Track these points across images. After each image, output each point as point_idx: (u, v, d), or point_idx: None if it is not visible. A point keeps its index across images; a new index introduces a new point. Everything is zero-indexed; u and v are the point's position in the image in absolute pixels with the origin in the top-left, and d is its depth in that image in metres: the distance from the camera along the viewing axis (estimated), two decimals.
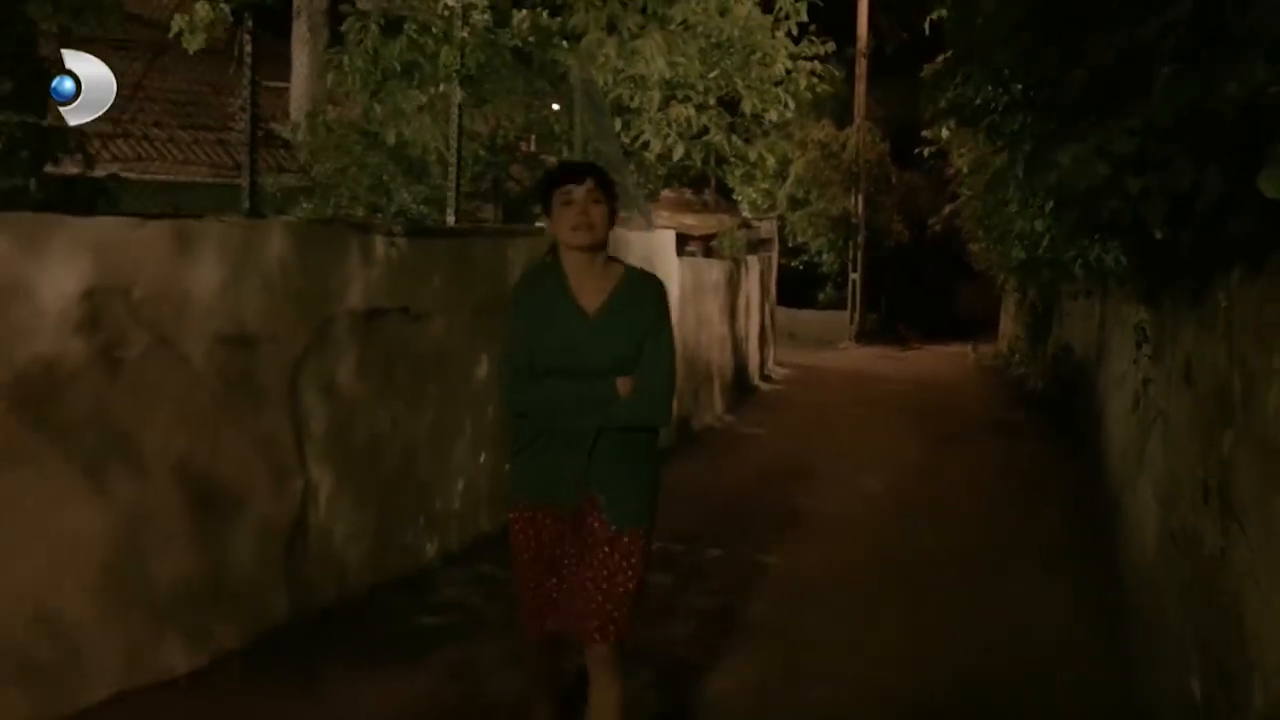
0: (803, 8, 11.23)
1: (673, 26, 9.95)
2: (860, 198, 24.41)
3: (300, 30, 10.15)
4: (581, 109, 8.26)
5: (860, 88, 24.51)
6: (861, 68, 24.31)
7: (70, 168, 4.47)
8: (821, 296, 25.42)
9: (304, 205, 8.15)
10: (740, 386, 13.88)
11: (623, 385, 3.34)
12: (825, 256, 25.15)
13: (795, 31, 11.40)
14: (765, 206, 21.68)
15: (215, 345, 4.52)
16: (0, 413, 3.70)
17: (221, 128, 11.19)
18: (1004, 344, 20.23)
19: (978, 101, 5.09)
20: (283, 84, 11.51)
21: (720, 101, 11.06)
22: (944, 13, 5.39)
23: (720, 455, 9.83)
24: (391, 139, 8.09)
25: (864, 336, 24.06)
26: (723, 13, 10.65)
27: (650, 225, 10.01)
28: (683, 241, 12.63)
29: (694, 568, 6.17)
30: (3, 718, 3.75)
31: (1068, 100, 3.19)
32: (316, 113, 9.16)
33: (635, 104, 9.76)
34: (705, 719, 4.32)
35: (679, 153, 10.23)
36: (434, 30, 7.41)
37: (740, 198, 19.84)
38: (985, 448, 10.84)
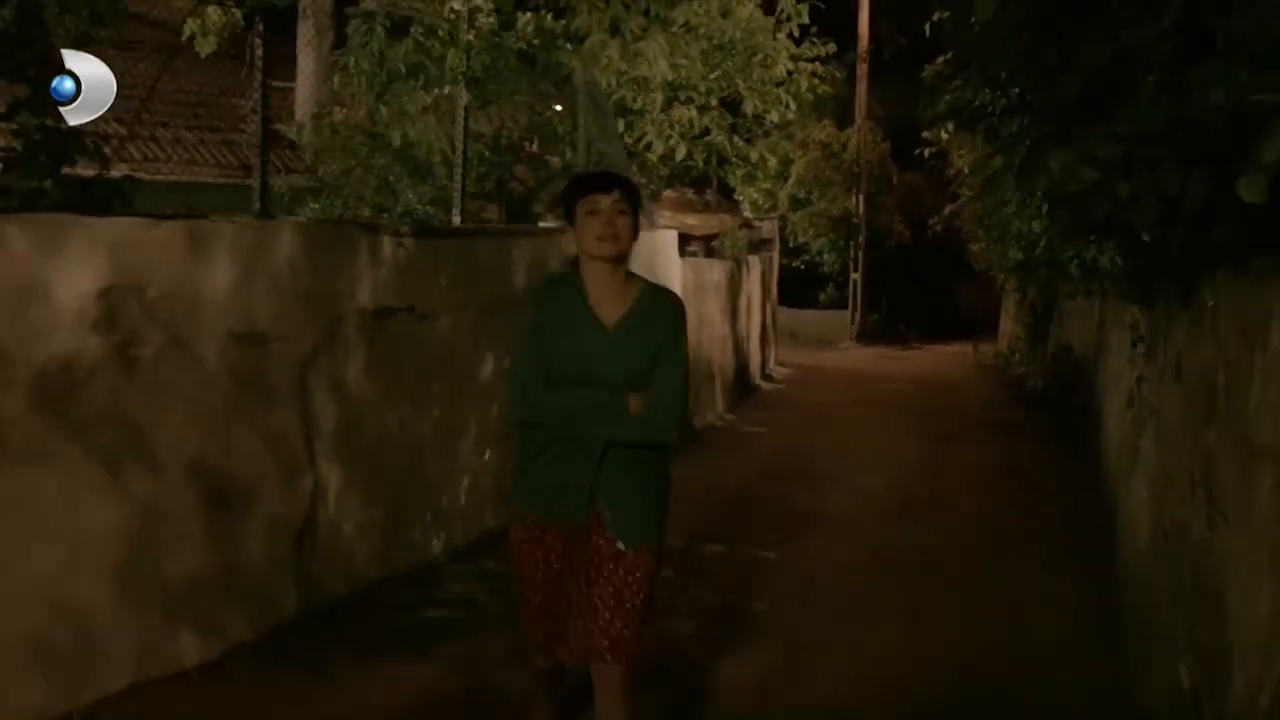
0: (804, 10, 11.33)
1: (675, 28, 10.06)
2: (861, 198, 24.50)
3: (305, 32, 10.22)
4: (585, 110, 8.34)
5: (861, 88, 24.60)
6: (862, 68, 24.40)
7: (82, 169, 4.55)
8: (823, 296, 25.51)
9: (311, 205, 8.22)
10: (741, 386, 13.96)
11: (635, 401, 3.30)
12: (826, 256, 25.23)
13: (796, 33, 11.51)
14: (766, 206, 21.74)
15: (227, 343, 4.61)
16: (20, 409, 3.79)
17: (227, 128, 11.28)
18: (1004, 344, 20.30)
19: (975, 104, 5.18)
20: (287, 84, 11.61)
21: (722, 102, 11.16)
22: (944, 14, 5.47)
23: (722, 454, 9.91)
24: (397, 140, 8.18)
25: (865, 336, 24.15)
26: (725, 14, 10.76)
27: (652, 225, 10.10)
28: (684, 241, 12.71)
29: (695, 565, 6.24)
30: (25, 705, 3.84)
31: (1062, 104, 3.27)
32: (322, 114, 9.24)
33: (638, 105, 9.86)
34: (707, 715, 4.37)
35: (681, 153, 10.33)
36: (440, 33, 7.50)
37: (742, 198, 19.91)
38: (986, 447, 10.91)
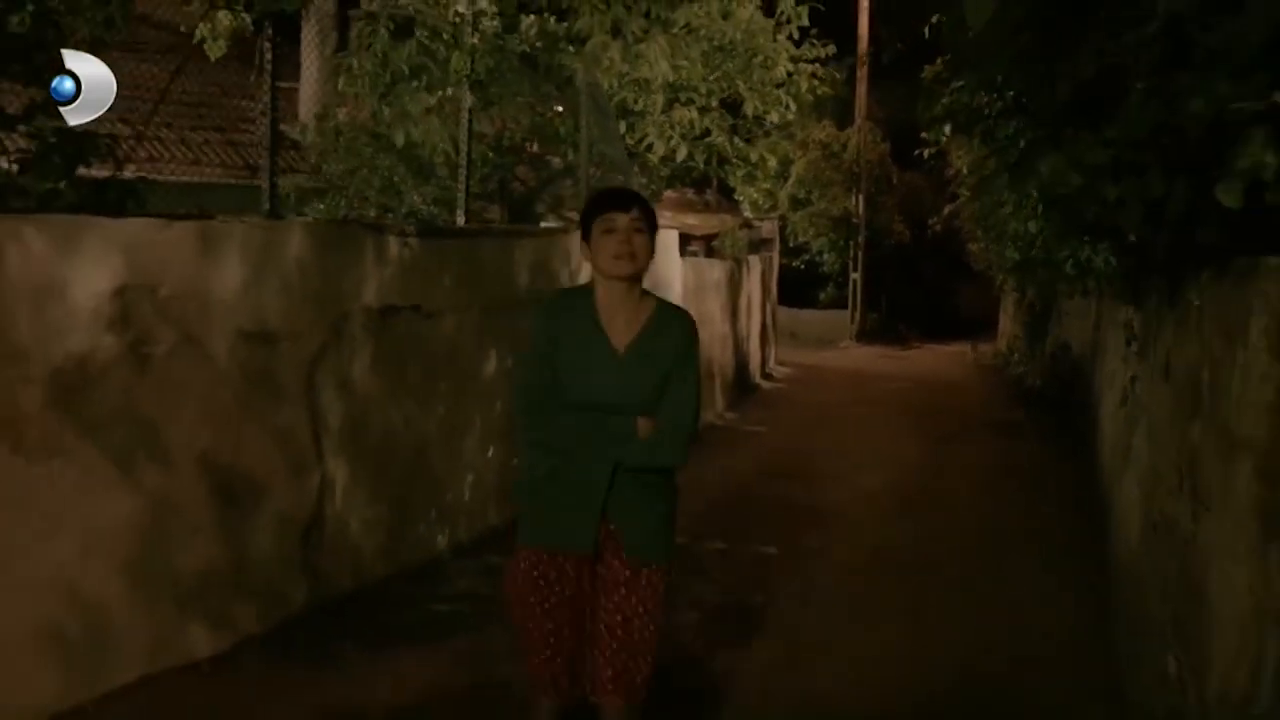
0: (804, 12, 11.41)
1: (676, 30, 10.13)
2: (861, 198, 24.59)
3: (309, 33, 10.31)
4: (587, 112, 8.43)
5: (861, 89, 24.69)
6: (862, 70, 24.48)
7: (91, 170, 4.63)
8: (822, 296, 25.59)
9: (317, 206, 8.31)
10: (741, 385, 14.05)
11: (644, 425, 3.24)
12: (826, 256, 25.32)
13: (796, 35, 11.59)
14: (766, 206, 21.81)
15: (237, 341, 4.70)
16: (37, 406, 3.88)
17: (231, 129, 11.37)
18: (1003, 343, 20.39)
19: (972, 106, 5.27)
20: (291, 84, 11.69)
21: (723, 103, 11.24)
22: (941, 18, 5.55)
23: (722, 452, 9.98)
24: (400, 141, 8.26)
25: (865, 336, 24.23)
26: (725, 16, 10.84)
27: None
28: (685, 241, 12.81)
29: (696, 561, 6.30)
30: (41, 696, 3.93)
31: (1054, 109, 3.36)
32: (326, 115, 9.33)
33: (639, 107, 9.94)
34: (707, 706, 4.44)
35: (682, 154, 10.41)
36: (445, 36, 7.59)
37: (742, 198, 19.97)
38: (985, 447, 10.97)
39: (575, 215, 9.50)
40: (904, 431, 11.83)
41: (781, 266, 21.68)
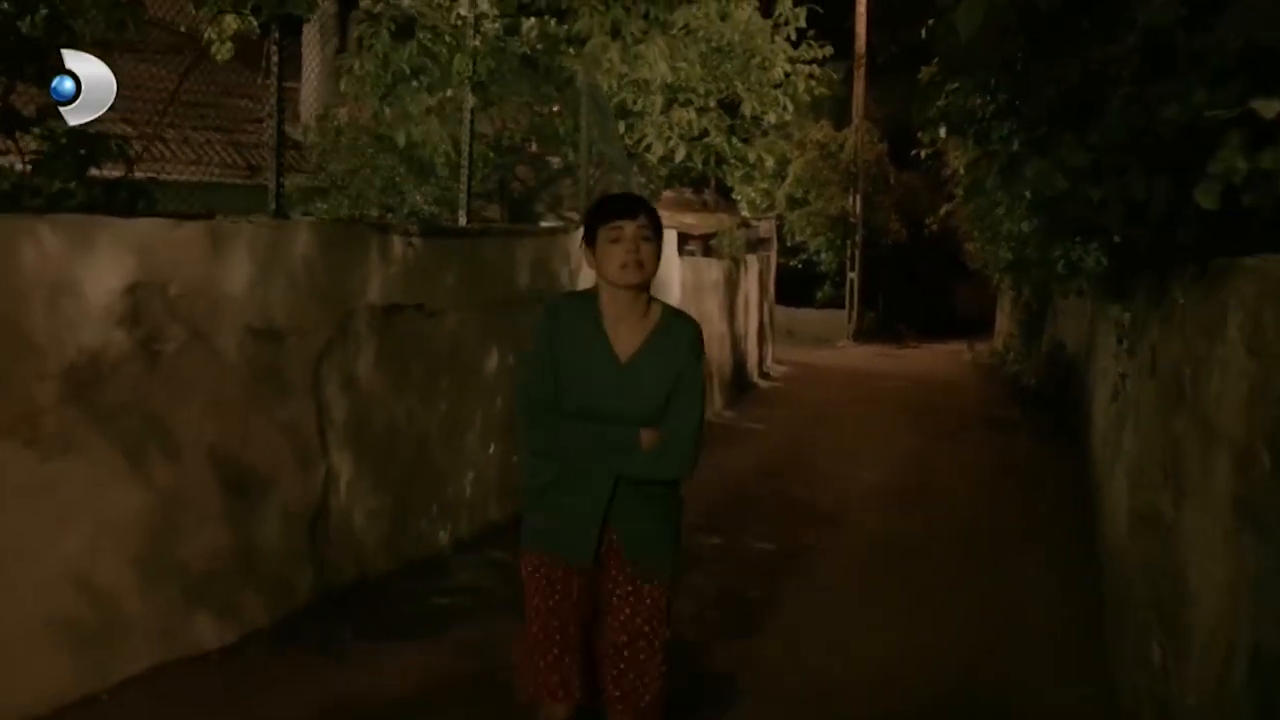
0: (802, 13, 11.51)
1: (674, 31, 10.23)
2: (858, 197, 24.68)
3: (310, 33, 10.40)
4: (587, 112, 8.52)
5: (858, 89, 24.78)
6: (859, 70, 24.58)
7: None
8: (819, 295, 25.67)
9: (319, 205, 8.40)
10: (739, 383, 14.15)
11: (648, 436, 3.16)
12: (823, 255, 25.41)
13: (794, 36, 11.69)
14: (764, 206, 21.84)
15: (245, 338, 4.80)
16: (52, 400, 3.97)
17: (233, 129, 11.44)
18: (1000, 342, 20.50)
19: (966, 108, 5.36)
20: (292, 84, 11.75)
21: (720, 104, 11.33)
22: (934, 22, 5.64)
23: (720, 450, 10.03)
24: (402, 141, 8.35)
25: (862, 335, 24.33)
26: (723, 18, 10.93)
27: None
28: (683, 240, 12.90)
29: (694, 555, 6.37)
30: (55, 684, 4.03)
31: (1043, 113, 3.46)
32: (327, 115, 9.42)
33: (638, 107, 10.04)
34: (706, 694, 4.52)
35: (680, 154, 10.50)
36: (447, 39, 7.68)
37: (739, 197, 20.03)
38: (981, 444, 11.08)
39: (574, 215, 9.61)
40: (901, 429, 11.93)
41: (779, 266, 21.76)
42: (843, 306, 24.96)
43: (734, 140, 11.55)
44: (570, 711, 3.32)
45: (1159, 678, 3.24)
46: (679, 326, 3.27)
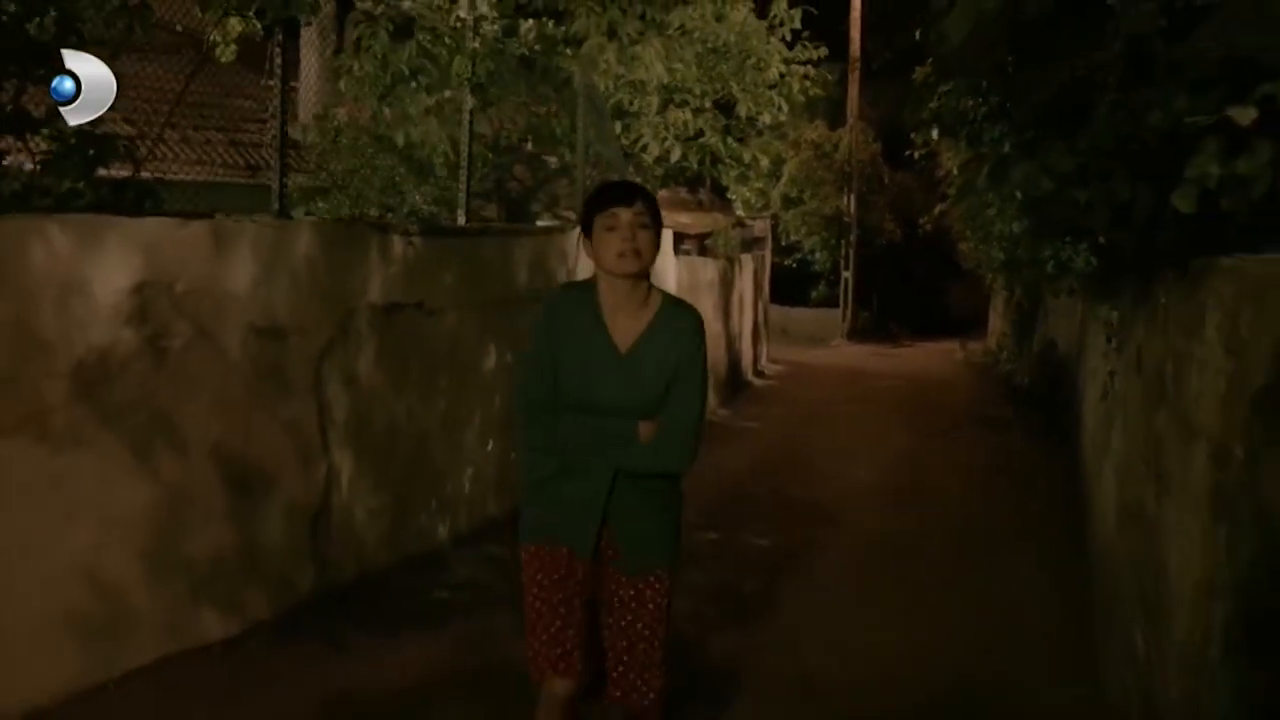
0: (797, 15, 11.61)
1: (670, 32, 10.32)
2: (853, 197, 24.77)
3: (309, 34, 10.46)
4: (584, 113, 8.61)
5: (853, 89, 24.87)
6: (854, 55, 24.66)
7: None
8: (814, 294, 25.74)
9: (319, 205, 8.47)
10: (734, 382, 14.23)
11: (646, 429, 3.11)
12: (818, 255, 25.46)
13: (789, 37, 11.79)
14: (759, 205, 21.90)
15: (249, 336, 4.87)
16: (61, 397, 4.05)
17: (232, 128, 11.51)
18: (993, 341, 20.58)
19: (958, 110, 5.45)
20: (290, 84, 11.78)
21: (716, 104, 11.43)
22: (929, 29, 5.73)
23: (715, 448, 10.09)
24: (401, 141, 8.43)
25: (856, 334, 24.42)
26: (719, 19, 11.02)
27: None
28: (678, 240, 12.99)
29: (691, 550, 6.38)
30: (64, 675, 4.11)
31: (1031, 118, 3.55)
32: (325, 115, 9.49)
33: (635, 108, 10.13)
34: (702, 691, 4.58)
35: (676, 155, 10.59)
36: (447, 41, 7.75)
37: (734, 197, 20.14)
38: (974, 442, 11.15)
39: (571, 214, 9.70)
40: (895, 428, 12.02)
41: (774, 265, 21.82)
42: (837, 306, 25.04)
43: (729, 140, 11.65)
44: (572, 688, 3.21)
45: (1143, 670, 3.33)
46: (679, 315, 3.20)
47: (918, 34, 5.77)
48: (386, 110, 8.62)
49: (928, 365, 19.57)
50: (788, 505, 8.05)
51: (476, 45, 7.53)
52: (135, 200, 4.49)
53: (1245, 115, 2.32)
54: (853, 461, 9.86)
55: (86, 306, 4.13)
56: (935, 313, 26.47)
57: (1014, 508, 8.13)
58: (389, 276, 5.80)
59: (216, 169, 10.91)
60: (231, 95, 11.56)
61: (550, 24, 9.02)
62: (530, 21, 8.70)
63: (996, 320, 20.82)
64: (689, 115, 10.65)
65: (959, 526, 7.60)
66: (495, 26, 7.95)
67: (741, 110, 11.39)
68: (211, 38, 5.15)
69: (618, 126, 10.10)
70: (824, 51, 12.47)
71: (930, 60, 6.47)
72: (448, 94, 8.28)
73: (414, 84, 8.42)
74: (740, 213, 20.83)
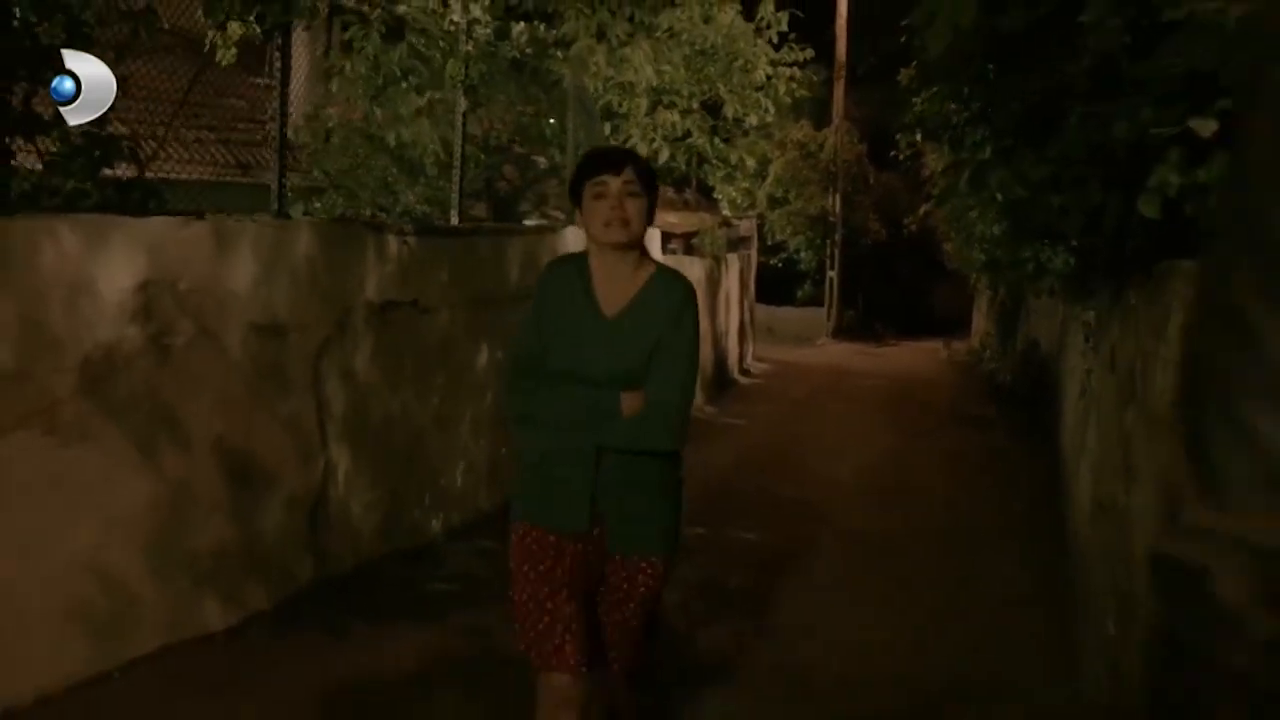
0: (784, 17, 11.75)
1: (659, 34, 10.43)
2: (838, 197, 24.89)
3: (299, 34, 10.54)
4: (574, 114, 8.74)
5: (838, 90, 24.98)
6: (840, 60, 24.79)
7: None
8: (800, 294, 25.83)
9: (314, 205, 8.57)
10: (720, 380, 14.35)
11: (632, 400, 2.98)
12: (803, 254, 25.56)
13: (776, 39, 11.93)
14: (745, 205, 21.96)
15: (249, 334, 5.00)
16: (69, 392, 4.16)
17: (225, 128, 11.57)
18: (977, 340, 20.74)
19: (940, 115, 5.60)
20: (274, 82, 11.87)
21: (703, 106, 11.56)
22: (913, 39, 5.87)
23: (701, 445, 10.13)
24: (393, 141, 8.54)
25: (841, 333, 24.55)
26: (706, 21, 11.15)
27: None
28: (665, 239, 13.10)
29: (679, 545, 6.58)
30: (71, 663, 4.22)
31: (1009, 125, 3.70)
32: (317, 115, 9.58)
33: (624, 110, 10.25)
34: (690, 683, 4.67)
35: (664, 156, 10.71)
36: (442, 44, 7.87)
37: (721, 197, 20.25)
38: (957, 440, 11.29)
39: (559, 214, 9.82)
40: (880, 426, 12.16)
41: (759, 264, 21.91)
42: (822, 305, 25.17)
43: (716, 141, 11.78)
44: (569, 681, 3.02)
45: (1113, 651, 3.48)
46: (670, 284, 3.10)
47: (902, 39, 5.91)
48: (378, 110, 8.72)
49: (912, 364, 19.71)
50: (774, 502, 8.18)
51: (470, 49, 7.65)
52: (140, 200, 4.59)
53: (1206, 127, 2.47)
54: (838, 459, 9.99)
55: (93, 304, 4.24)
56: (920, 312, 26.60)
57: (997, 506, 8.25)
58: (385, 275, 5.93)
59: (208, 168, 10.99)
60: (222, 95, 11.62)
61: (542, 27, 9.14)
62: (521, 25, 8.82)
63: (980, 320, 20.97)
64: (677, 117, 10.78)
65: (944, 525, 7.73)
66: (488, 30, 8.06)
67: (729, 111, 11.53)
68: (212, 40, 5.25)
69: (607, 128, 10.23)
70: (810, 53, 12.61)
71: (915, 64, 6.61)
72: (439, 95, 8.39)
73: (404, 84, 8.53)
74: (726, 212, 20.96)
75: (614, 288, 3.06)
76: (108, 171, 4.68)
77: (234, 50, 5.19)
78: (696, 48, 11.07)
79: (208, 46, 5.35)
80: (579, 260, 3.15)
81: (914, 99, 5.96)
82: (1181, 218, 2.66)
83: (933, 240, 20.30)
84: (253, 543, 5.07)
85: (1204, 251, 0.81)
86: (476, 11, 7.85)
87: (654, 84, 10.05)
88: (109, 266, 4.28)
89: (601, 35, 9.65)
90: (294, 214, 6.12)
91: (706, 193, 18.95)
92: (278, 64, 5.39)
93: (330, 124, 9.01)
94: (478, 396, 6.92)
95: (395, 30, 8.40)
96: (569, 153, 8.82)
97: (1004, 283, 10.87)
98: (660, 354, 2.99)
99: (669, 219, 18.30)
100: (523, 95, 9.23)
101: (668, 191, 19.29)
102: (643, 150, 10.49)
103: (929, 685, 4.81)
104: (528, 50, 8.78)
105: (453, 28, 7.79)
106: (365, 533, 5.85)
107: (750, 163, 12.92)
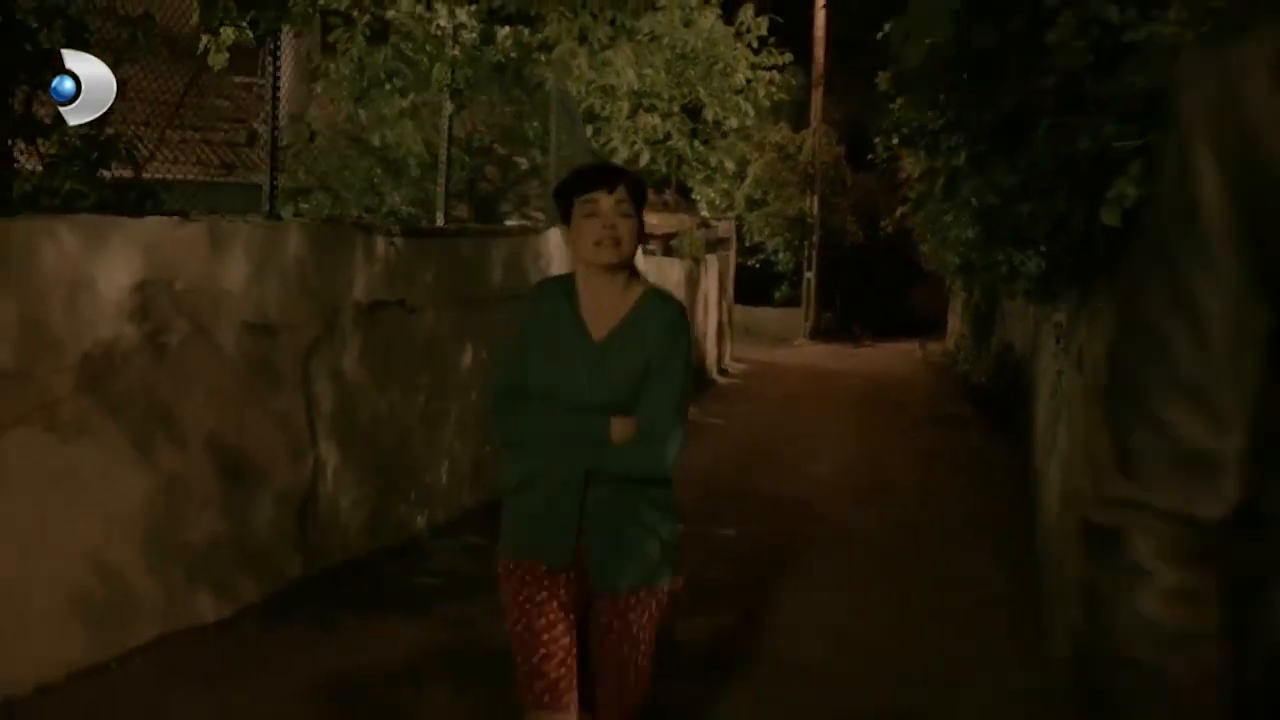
0: (763, 22, 11.92)
1: (640, 38, 10.57)
2: (816, 199, 25.02)
3: (287, 36, 10.62)
4: (557, 116, 8.86)
5: (817, 93, 25.13)
6: (818, 72, 24.97)
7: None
8: (777, 295, 25.93)
9: (302, 205, 8.67)
10: (699, 380, 14.47)
11: (623, 425, 2.82)
12: (781, 256, 25.67)
13: (755, 44, 12.09)
14: (724, 207, 22.11)
15: (242, 333, 5.11)
16: (68, 390, 4.27)
17: (208, 128, 11.63)
18: (952, 342, 20.90)
19: (917, 124, 5.75)
20: (261, 83, 11.94)
21: (684, 109, 11.71)
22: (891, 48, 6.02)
23: None
24: (377, 142, 8.64)
25: (818, 334, 24.67)
26: (687, 25, 11.30)
27: None
28: (645, 240, 13.20)
29: None
30: (68, 653, 4.33)
31: (983, 133, 3.85)
32: (300, 116, 9.67)
33: (606, 113, 10.38)
34: (673, 669, 4.81)
35: (645, 158, 10.85)
36: (429, 49, 7.98)
37: (700, 198, 20.39)
38: (933, 439, 11.45)
39: (540, 215, 9.94)
40: (856, 425, 12.31)
41: (738, 265, 22.01)
42: (800, 306, 25.27)
43: (696, 144, 11.93)
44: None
45: (1078, 640, 3.62)
46: (660, 307, 2.97)
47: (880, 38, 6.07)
48: (362, 112, 8.83)
49: (889, 365, 19.88)
50: (753, 500, 8.31)
51: (456, 53, 7.76)
52: (137, 201, 4.69)
53: None
54: (816, 458, 10.13)
55: (92, 303, 4.34)
56: (897, 313, 26.72)
57: (971, 504, 8.40)
58: (373, 275, 6.04)
59: (191, 168, 11.06)
60: (206, 95, 11.68)
61: (526, 32, 9.26)
62: (506, 29, 8.94)
63: (955, 321, 21.13)
64: (658, 120, 10.92)
65: (919, 521, 7.87)
66: (473, 34, 8.18)
67: (708, 114, 11.69)
68: (204, 43, 5.36)
69: (589, 130, 10.36)
70: (789, 57, 12.77)
71: (892, 70, 6.76)
72: (422, 98, 8.50)
73: (388, 87, 8.64)
74: (705, 214, 21.09)
75: (602, 309, 2.93)
76: (105, 173, 4.79)
77: (226, 55, 5.27)
78: (677, 51, 11.22)
79: (200, 50, 5.45)
80: (565, 282, 3.03)
81: (890, 104, 6.10)
82: None
83: (909, 242, 20.41)
84: (244, 537, 5.18)
85: (1122, 269, 0.92)
86: (463, 16, 7.97)
87: (635, 87, 10.19)
88: (107, 266, 4.39)
89: (584, 39, 9.77)
90: (284, 215, 6.24)
91: (685, 194, 19.08)
92: (269, 67, 5.48)
93: (313, 125, 9.10)
94: (463, 395, 7.04)
95: (380, 34, 8.51)
96: (551, 154, 8.94)
97: (978, 285, 11.01)
98: (653, 377, 2.86)
99: (649, 220, 18.42)
100: (506, 98, 9.35)
101: (648, 193, 19.46)
102: (623, 153, 10.64)
103: (906, 671, 4.93)
104: (512, 54, 8.90)
105: (439, 32, 7.90)
106: (353, 528, 5.96)
107: (729, 165, 13.06)
